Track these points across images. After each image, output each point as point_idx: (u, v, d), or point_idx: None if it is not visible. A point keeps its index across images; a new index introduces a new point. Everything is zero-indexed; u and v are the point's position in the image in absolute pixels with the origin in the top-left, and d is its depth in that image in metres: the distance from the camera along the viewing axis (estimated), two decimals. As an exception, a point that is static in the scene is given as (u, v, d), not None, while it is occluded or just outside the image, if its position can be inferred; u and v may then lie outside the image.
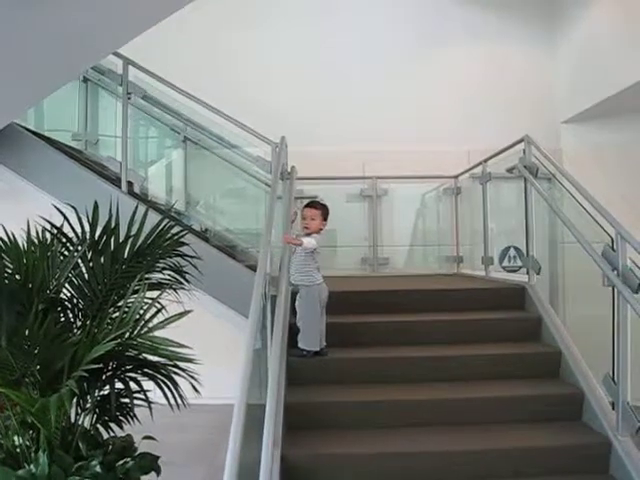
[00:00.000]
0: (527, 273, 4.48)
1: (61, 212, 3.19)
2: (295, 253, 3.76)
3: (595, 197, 3.60)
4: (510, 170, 4.73)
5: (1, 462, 2.72)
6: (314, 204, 3.87)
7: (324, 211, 3.82)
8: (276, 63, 7.04)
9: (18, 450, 2.79)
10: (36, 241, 2.94)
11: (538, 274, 4.38)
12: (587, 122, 6.99)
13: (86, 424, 2.89)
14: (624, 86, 5.78)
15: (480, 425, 3.31)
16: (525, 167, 4.41)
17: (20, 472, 2.60)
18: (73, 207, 3.20)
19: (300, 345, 3.67)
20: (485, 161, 5.48)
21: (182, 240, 3.35)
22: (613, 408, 3.15)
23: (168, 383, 2.84)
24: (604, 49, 6.27)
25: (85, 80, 5.45)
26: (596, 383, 3.40)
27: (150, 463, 2.91)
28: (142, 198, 4.84)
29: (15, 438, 2.81)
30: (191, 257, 3.36)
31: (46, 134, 5.09)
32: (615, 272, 3.13)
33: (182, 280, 3.34)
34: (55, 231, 3.10)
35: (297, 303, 3.76)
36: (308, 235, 3.74)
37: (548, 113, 7.20)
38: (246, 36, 7.06)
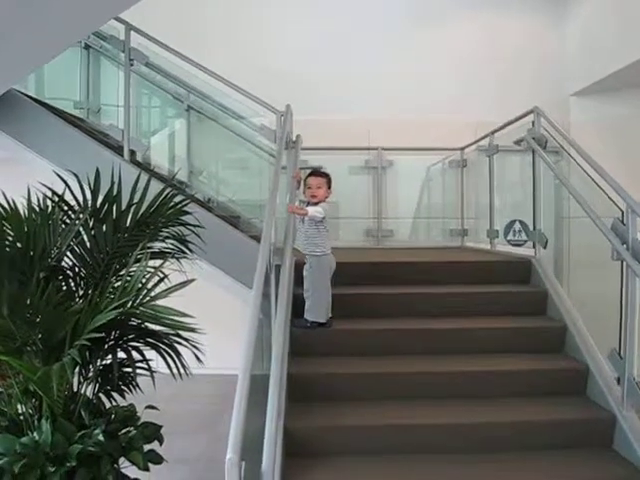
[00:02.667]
0: (533, 247, 4.43)
1: (62, 179, 3.14)
2: (304, 222, 3.72)
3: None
4: (518, 142, 4.66)
5: (5, 430, 2.73)
6: (318, 172, 3.82)
7: (328, 179, 3.77)
8: (281, 34, 6.94)
9: (21, 418, 2.79)
10: (37, 208, 2.90)
11: (545, 248, 4.34)
12: (597, 95, 6.86)
13: (88, 393, 2.88)
14: (638, 57, 5.65)
15: (483, 398, 3.29)
16: (534, 139, 4.33)
17: (24, 440, 2.60)
18: (75, 174, 3.15)
19: (307, 316, 3.65)
20: (492, 133, 5.40)
21: (185, 209, 3.30)
22: (618, 383, 3.13)
23: (171, 352, 2.83)
24: (617, 18, 6.13)
25: (87, 47, 5.35)
26: (601, 358, 3.38)
27: (153, 432, 2.91)
28: (145, 167, 4.78)
29: (18, 406, 2.81)
30: (194, 226, 3.32)
31: (48, 102, 5.01)
32: (625, 246, 3.09)
33: (185, 249, 3.31)
34: (56, 199, 3.05)
35: (305, 273, 3.72)
36: (315, 204, 3.69)
37: (557, 86, 7.07)
38: (253, 5, 6.92)
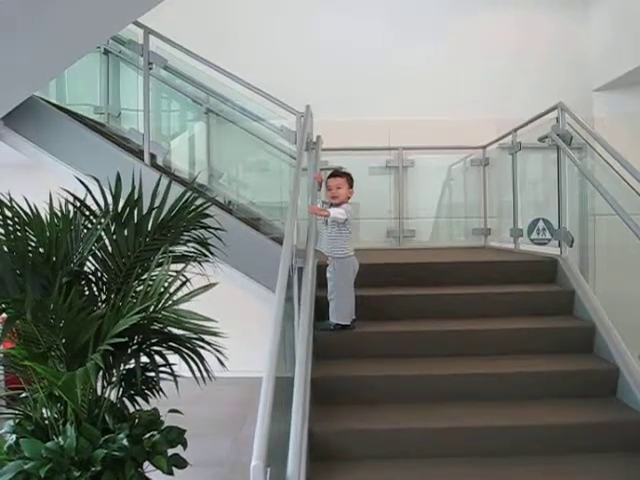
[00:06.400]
0: (559, 245, 4.35)
1: (84, 184, 3.15)
2: (327, 225, 3.68)
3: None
4: (542, 139, 4.58)
5: (30, 434, 2.74)
6: (337, 173, 3.78)
7: (348, 178, 3.72)
8: (301, 34, 6.93)
9: (47, 422, 2.81)
10: (59, 214, 2.90)
11: (571, 246, 4.25)
12: (621, 90, 6.75)
13: (112, 397, 2.88)
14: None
15: (511, 401, 3.23)
16: (559, 135, 4.25)
17: (49, 444, 2.61)
18: (96, 179, 3.15)
19: (332, 319, 3.61)
20: (515, 130, 5.31)
21: (206, 212, 3.29)
22: (650, 384, 3.06)
23: (194, 357, 2.82)
24: (640, 12, 6.02)
25: (106, 52, 5.38)
26: (632, 358, 3.30)
27: (177, 436, 2.91)
28: (165, 170, 4.78)
29: (43, 411, 2.82)
30: (215, 229, 3.31)
31: (68, 108, 5.05)
32: (655, 243, 3.02)
33: (207, 253, 3.30)
34: (78, 204, 3.06)
35: (329, 275, 3.69)
36: (337, 205, 3.65)
37: (580, 81, 6.96)
38: (271, 5, 6.94)
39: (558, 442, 2.94)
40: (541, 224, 5.42)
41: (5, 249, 2.71)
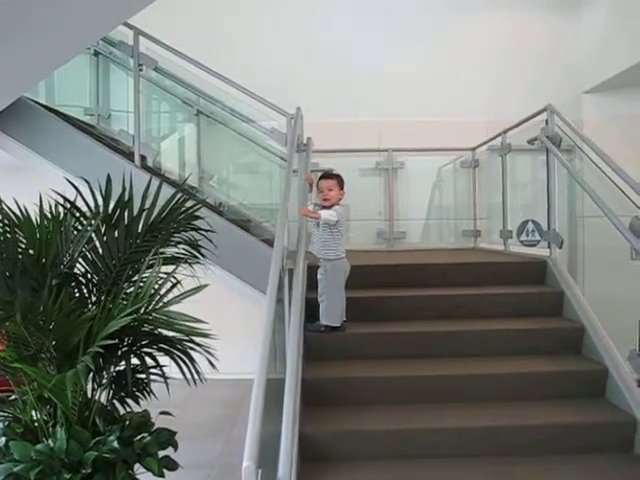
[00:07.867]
0: (548, 247, 4.38)
1: (74, 186, 3.14)
2: (318, 227, 3.69)
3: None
4: (531, 141, 4.60)
5: (20, 436, 2.73)
6: (328, 175, 3.80)
7: (339, 180, 3.74)
8: (293, 36, 6.92)
9: (36, 425, 2.79)
10: (49, 215, 2.89)
11: (560, 248, 4.28)
12: (610, 92, 6.79)
13: (102, 400, 2.87)
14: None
15: (501, 401, 3.25)
16: (548, 137, 4.28)
17: (39, 446, 2.60)
18: (86, 180, 3.14)
19: (322, 321, 3.62)
20: (505, 132, 5.34)
21: (196, 214, 3.29)
22: (639, 385, 3.08)
23: (184, 358, 2.81)
24: (630, 14, 6.06)
25: (96, 54, 5.37)
26: (621, 359, 3.32)
27: (167, 438, 2.90)
28: (155, 172, 4.77)
29: (33, 413, 2.80)
30: (206, 231, 3.31)
31: (58, 109, 5.02)
32: (643, 245, 3.04)
33: (197, 254, 3.29)
34: (68, 205, 3.05)
35: (320, 277, 3.69)
36: (328, 207, 3.66)
37: (569, 83, 6.98)
38: (259, 8, 6.95)
39: (549, 442, 2.96)
40: (530, 226, 5.44)
41: (-6, 251, 2.70)
